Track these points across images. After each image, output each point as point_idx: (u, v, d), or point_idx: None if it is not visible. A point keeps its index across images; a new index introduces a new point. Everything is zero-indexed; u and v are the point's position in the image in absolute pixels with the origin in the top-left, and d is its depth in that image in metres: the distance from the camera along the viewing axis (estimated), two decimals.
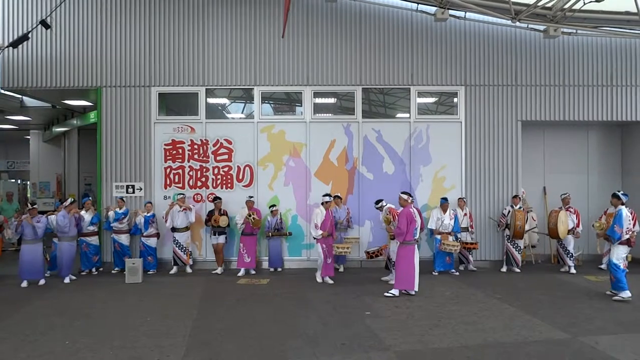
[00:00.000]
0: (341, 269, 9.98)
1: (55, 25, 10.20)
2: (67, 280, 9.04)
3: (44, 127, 17.72)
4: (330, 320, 6.46)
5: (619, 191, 7.97)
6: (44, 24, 9.23)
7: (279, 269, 10.02)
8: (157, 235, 9.92)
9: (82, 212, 9.74)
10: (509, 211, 9.97)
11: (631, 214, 7.98)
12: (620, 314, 6.75)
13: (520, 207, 9.96)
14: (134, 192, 10.23)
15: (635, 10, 8.88)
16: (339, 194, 10.02)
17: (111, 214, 9.80)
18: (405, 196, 7.98)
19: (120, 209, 9.83)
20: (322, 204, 8.90)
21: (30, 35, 9.44)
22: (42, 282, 8.80)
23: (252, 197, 9.83)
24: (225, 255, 10.04)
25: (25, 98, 13.03)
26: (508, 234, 9.91)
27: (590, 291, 8.17)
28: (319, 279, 8.85)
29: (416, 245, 7.91)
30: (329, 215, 8.92)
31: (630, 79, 10.61)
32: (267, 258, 10.14)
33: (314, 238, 8.89)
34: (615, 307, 7.16)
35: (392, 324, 6.30)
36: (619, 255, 7.52)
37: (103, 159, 10.28)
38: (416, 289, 7.80)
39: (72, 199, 9.73)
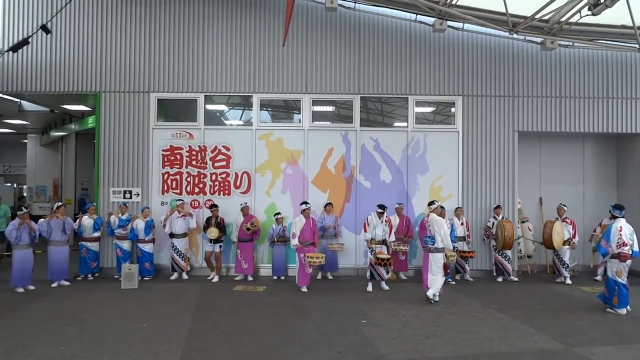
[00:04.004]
0: (329, 277, 9.98)
1: (56, 30, 10.24)
2: (54, 284, 9.01)
3: (41, 131, 17.69)
4: (326, 328, 6.45)
5: (612, 205, 8.01)
6: (45, 29, 9.26)
7: (282, 277, 9.94)
8: (153, 240, 9.90)
9: (85, 217, 9.74)
10: (493, 223, 10.03)
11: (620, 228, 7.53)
12: (615, 325, 6.77)
13: (504, 217, 10.02)
14: (131, 198, 10.20)
15: (630, 24, 8.99)
16: (330, 202, 10.06)
17: (113, 218, 9.74)
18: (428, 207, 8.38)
19: (123, 214, 9.78)
20: (301, 212, 8.96)
21: (30, 39, 9.47)
22: (31, 287, 8.73)
23: (246, 203, 9.90)
24: (222, 262, 10.00)
25: (23, 102, 13.04)
26: (495, 244, 9.96)
27: (586, 302, 8.19)
28: (304, 289, 8.78)
29: (431, 254, 7.98)
30: (309, 224, 8.94)
31: (625, 91, 10.71)
32: (270, 266, 10.09)
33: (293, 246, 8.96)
34: (610, 318, 7.18)
35: (387, 332, 6.30)
36: (611, 269, 7.53)
37: (101, 164, 10.27)
38: (429, 294, 7.87)
39: (60, 203, 9.69)
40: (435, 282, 7.92)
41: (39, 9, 10.38)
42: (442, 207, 9.67)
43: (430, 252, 8.01)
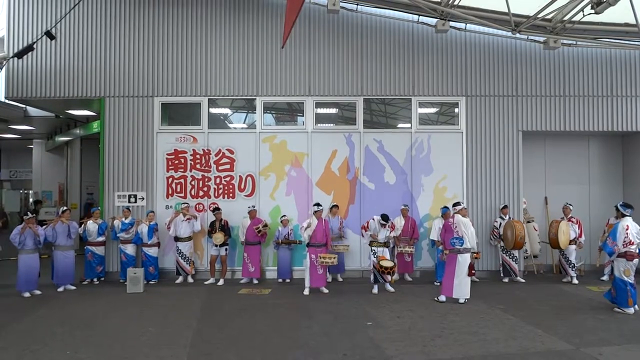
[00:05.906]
0: (339, 279, 9.95)
1: (60, 36, 10.28)
2: (60, 289, 9.04)
3: (47, 136, 17.80)
4: (332, 331, 6.44)
5: (620, 203, 7.90)
6: (49, 35, 9.32)
7: (288, 280, 9.93)
8: (158, 244, 9.92)
9: (89, 222, 9.78)
10: (500, 223, 9.98)
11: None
12: (623, 325, 6.72)
13: (511, 218, 9.97)
14: (136, 202, 10.24)
15: (634, 22, 8.95)
16: (336, 204, 10.05)
17: (116, 223, 9.78)
18: (453, 208, 8.48)
19: (126, 218, 9.81)
20: (313, 213, 8.93)
21: (35, 45, 9.52)
22: (37, 292, 8.76)
23: (253, 206, 9.91)
24: (227, 265, 10.00)
25: (29, 108, 13.13)
26: (502, 245, 9.92)
27: (593, 302, 8.14)
28: (306, 292, 8.73)
29: (460, 255, 8.07)
30: (322, 224, 8.91)
31: (629, 89, 10.65)
32: (276, 268, 10.08)
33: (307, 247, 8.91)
34: (618, 318, 7.13)
35: (394, 334, 6.29)
36: (618, 268, 7.48)
37: (105, 169, 10.32)
38: (456, 295, 8.02)
39: (65, 208, 9.74)
40: (465, 286, 8.05)
41: (44, 15, 10.44)
42: (445, 207, 9.67)
43: (459, 253, 8.08)
